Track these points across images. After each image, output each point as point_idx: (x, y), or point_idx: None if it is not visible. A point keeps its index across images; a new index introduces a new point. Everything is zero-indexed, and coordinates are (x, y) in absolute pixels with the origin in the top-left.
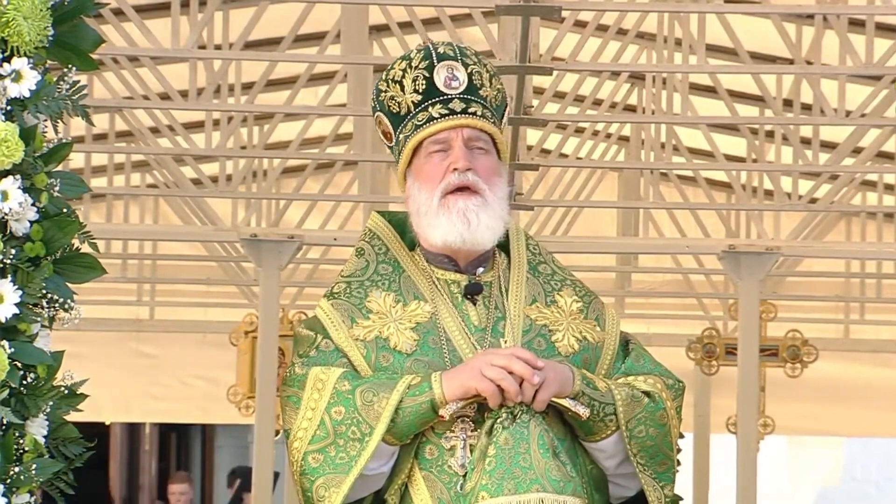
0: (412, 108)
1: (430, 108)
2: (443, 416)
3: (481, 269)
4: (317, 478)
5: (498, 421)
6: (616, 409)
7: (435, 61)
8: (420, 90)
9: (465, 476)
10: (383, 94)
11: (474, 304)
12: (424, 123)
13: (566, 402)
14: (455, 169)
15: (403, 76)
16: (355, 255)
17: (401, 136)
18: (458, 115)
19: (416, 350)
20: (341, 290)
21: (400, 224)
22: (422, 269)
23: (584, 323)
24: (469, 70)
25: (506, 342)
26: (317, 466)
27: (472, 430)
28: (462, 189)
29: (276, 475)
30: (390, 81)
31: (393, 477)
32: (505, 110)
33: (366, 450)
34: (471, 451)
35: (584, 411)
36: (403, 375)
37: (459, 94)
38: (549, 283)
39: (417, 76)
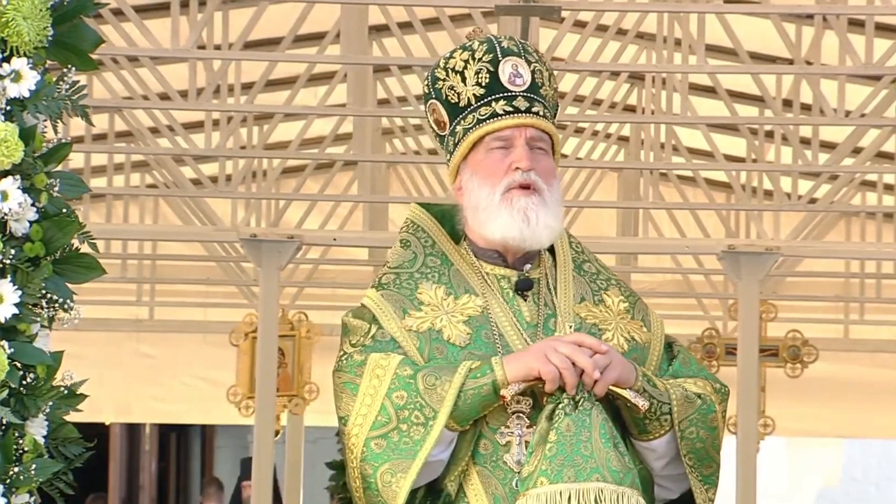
0: (473, 101)
1: (493, 104)
2: (504, 397)
3: (529, 266)
4: (381, 463)
5: (559, 407)
6: (671, 409)
7: (499, 56)
8: (483, 84)
9: (520, 472)
10: (441, 83)
11: (525, 301)
12: (488, 118)
13: (627, 394)
14: (518, 168)
15: (465, 67)
16: (401, 247)
17: (458, 127)
18: (523, 114)
19: (469, 343)
20: (390, 280)
21: (441, 216)
22: (470, 264)
23: (632, 323)
24: (532, 68)
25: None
26: (380, 452)
27: (527, 427)
28: (523, 187)
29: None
30: (450, 71)
31: (451, 464)
32: (557, 109)
33: (431, 434)
34: (526, 447)
35: (643, 403)
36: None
37: (523, 91)
38: (595, 283)
39: (481, 69)
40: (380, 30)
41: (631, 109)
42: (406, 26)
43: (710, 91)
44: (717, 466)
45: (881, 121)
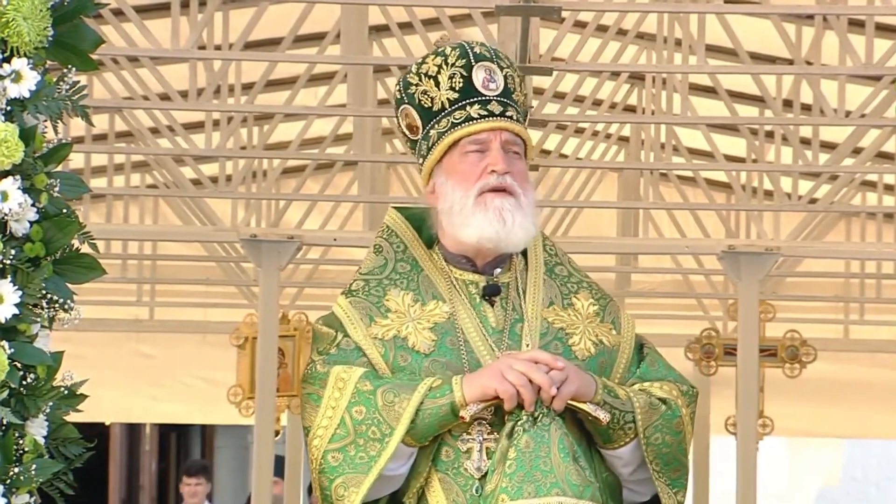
0: (447, 105)
1: (467, 108)
2: (463, 418)
3: (498, 270)
4: (336, 476)
5: (518, 423)
6: (635, 417)
7: (472, 61)
8: (457, 88)
9: (480, 479)
10: (414, 88)
11: (492, 306)
12: (463, 122)
13: (587, 407)
14: (493, 171)
15: (439, 72)
16: (373, 253)
17: (432, 131)
18: (497, 118)
19: (433, 350)
20: (359, 287)
21: (417, 220)
22: (440, 269)
23: (601, 326)
24: (504, 73)
25: (527, 345)
26: (336, 465)
27: (488, 433)
28: (497, 190)
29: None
30: (423, 76)
31: (410, 479)
32: (527, 115)
33: (386, 450)
34: (487, 453)
35: (604, 416)
36: (424, 377)
37: (496, 96)
38: (566, 286)
39: (455, 74)
40: (380, 30)
41: (631, 109)
42: (406, 26)
43: (710, 91)
44: (685, 469)
45: (881, 121)
